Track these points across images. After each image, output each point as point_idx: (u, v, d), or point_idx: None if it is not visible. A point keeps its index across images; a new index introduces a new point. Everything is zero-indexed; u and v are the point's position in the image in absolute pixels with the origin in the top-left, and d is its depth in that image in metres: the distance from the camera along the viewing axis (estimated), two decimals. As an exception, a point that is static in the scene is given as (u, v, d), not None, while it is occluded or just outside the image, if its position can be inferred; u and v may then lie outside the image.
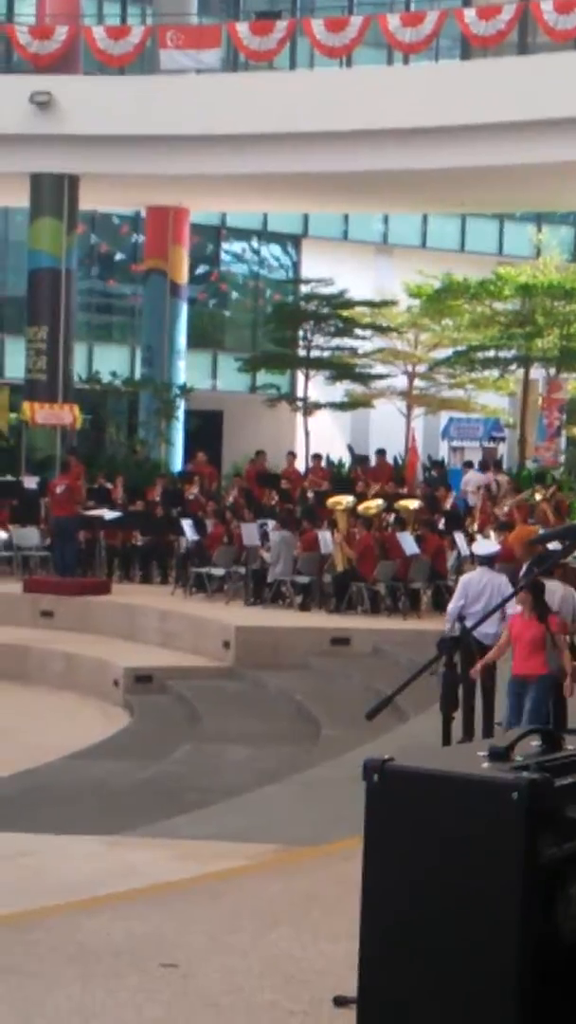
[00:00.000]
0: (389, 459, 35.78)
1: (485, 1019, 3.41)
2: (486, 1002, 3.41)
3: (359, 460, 36.36)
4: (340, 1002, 3.67)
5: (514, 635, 14.54)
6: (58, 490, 29.12)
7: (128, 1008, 8.15)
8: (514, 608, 14.86)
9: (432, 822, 3.47)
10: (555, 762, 3.57)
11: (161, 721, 20.82)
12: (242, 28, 33.54)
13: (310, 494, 30.29)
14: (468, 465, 37.06)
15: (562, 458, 37.85)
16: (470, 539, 24.85)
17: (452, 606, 17.60)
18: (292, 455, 35.73)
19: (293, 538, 26.45)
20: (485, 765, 3.52)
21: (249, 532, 27.25)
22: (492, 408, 42.90)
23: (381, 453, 36.09)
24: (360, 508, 27.20)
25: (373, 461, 35.49)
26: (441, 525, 27.47)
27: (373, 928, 3.48)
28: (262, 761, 17.81)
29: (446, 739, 14.87)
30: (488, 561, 19.06)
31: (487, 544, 21.40)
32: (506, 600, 16.10)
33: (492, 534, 23.61)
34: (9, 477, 32.05)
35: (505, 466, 37.03)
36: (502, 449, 41.55)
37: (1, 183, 34.25)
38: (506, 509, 26.93)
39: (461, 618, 16.69)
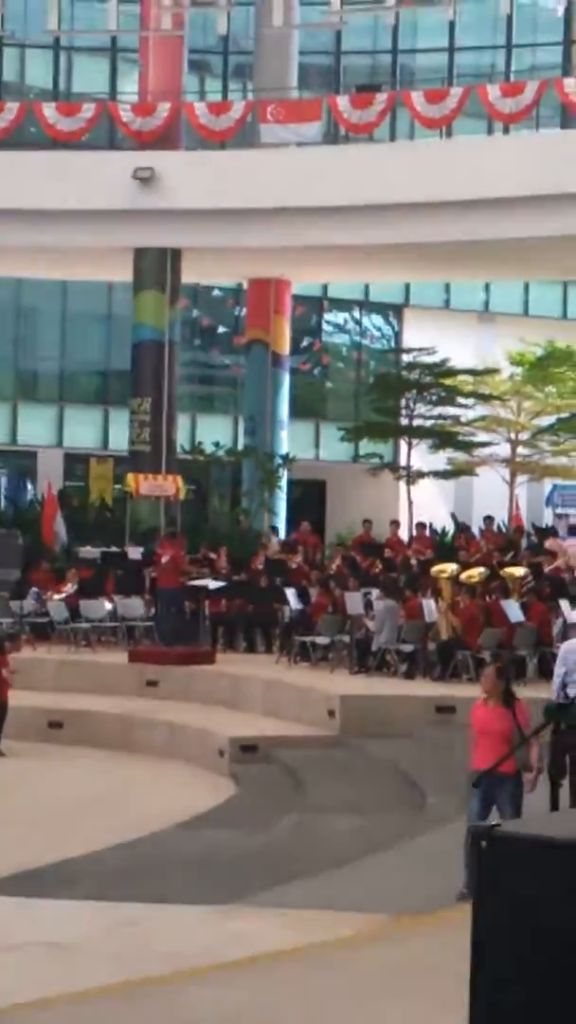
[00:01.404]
0: (494, 527, 35.65)
1: None
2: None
3: (462, 528, 36.21)
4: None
5: (480, 726, 13.71)
6: (163, 560, 29.30)
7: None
8: None
9: (542, 890, 3.45)
10: None
11: (266, 791, 20.73)
12: (342, 101, 33.70)
13: (414, 562, 30.22)
14: (573, 531, 37.02)
15: None
16: (573, 606, 24.75)
17: (556, 673, 17.57)
18: (395, 524, 35.61)
19: (397, 607, 26.40)
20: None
21: (353, 601, 27.18)
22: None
23: (489, 520, 36.02)
24: (464, 576, 27.11)
25: (476, 529, 35.39)
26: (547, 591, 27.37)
27: (483, 999, 3.45)
28: (368, 830, 17.64)
29: (554, 805, 14.87)
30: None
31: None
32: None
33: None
34: (114, 548, 32.18)
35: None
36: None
37: (105, 258, 34.54)
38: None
39: (564, 685, 16.61)
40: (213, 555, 31.24)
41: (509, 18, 34.19)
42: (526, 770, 13.18)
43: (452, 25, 34.07)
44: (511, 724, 13.14)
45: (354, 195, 31.63)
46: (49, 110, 34.78)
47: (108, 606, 29.76)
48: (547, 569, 29.07)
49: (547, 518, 40.52)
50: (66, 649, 28.82)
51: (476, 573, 27.53)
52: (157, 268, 34.04)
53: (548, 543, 32.19)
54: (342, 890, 14.52)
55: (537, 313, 46.18)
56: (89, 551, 32.27)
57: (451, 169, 31.53)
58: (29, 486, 41.64)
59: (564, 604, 25.62)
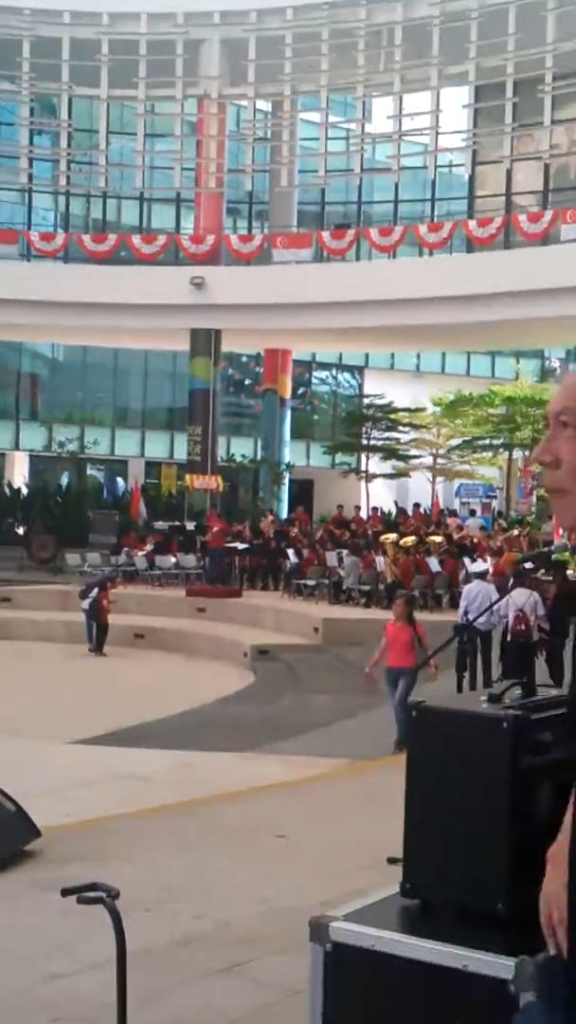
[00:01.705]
0: (421, 511, 35.84)
1: (489, 865, 3.39)
2: (490, 856, 3.40)
3: (401, 511, 36.27)
4: (392, 861, 3.64)
5: (391, 637, 13.65)
6: (214, 530, 29.52)
7: (256, 864, 8.18)
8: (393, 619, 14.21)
9: (451, 743, 3.47)
10: (531, 704, 3.56)
11: (273, 679, 20.96)
12: (325, 235, 33.65)
13: (370, 533, 30.21)
14: (472, 514, 37.25)
15: (533, 509, 37.59)
16: (472, 561, 24.81)
17: (460, 606, 17.75)
18: (357, 508, 35.89)
19: (359, 561, 26.52)
20: (484, 705, 3.51)
21: (331, 557, 27.40)
22: (488, 477, 42.79)
23: (417, 506, 36.22)
24: (401, 542, 27.21)
25: (410, 512, 35.49)
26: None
27: (413, 813, 3.47)
28: (338, 705, 17.89)
29: (459, 690, 15.00)
30: (480, 576, 19.11)
31: (479, 565, 21.57)
32: (493, 603, 16.00)
33: (488, 559, 23.64)
34: (176, 523, 32.20)
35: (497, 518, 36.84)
36: (494, 504, 41.33)
37: (171, 335, 34.44)
38: (499, 542, 26.87)
39: (466, 612, 16.71)
40: (240, 527, 31.28)
41: (433, 182, 34.11)
42: (426, 666, 13.00)
43: (396, 185, 34.04)
44: (411, 636, 13.40)
45: (333, 296, 31.51)
46: (137, 240, 34.79)
47: (172, 560, 29.92)
48: (456, 537, 29.21)
49: (456, 505, 40.47)
50: (146, 587, 28.94)
51: (409, 540, 27.61)
52: (205, 342, 33.99)
53: (449, 520, 32.62)
54: (321, 743, 14.81)
55: (450, 372, 46.21)
56: (161, 524, 32.28)
57: (396, 279, 31.48)
58: (121, 482, 41.59)
59: (467, 560, 25.63)
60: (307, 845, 8.55)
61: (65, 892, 3.83)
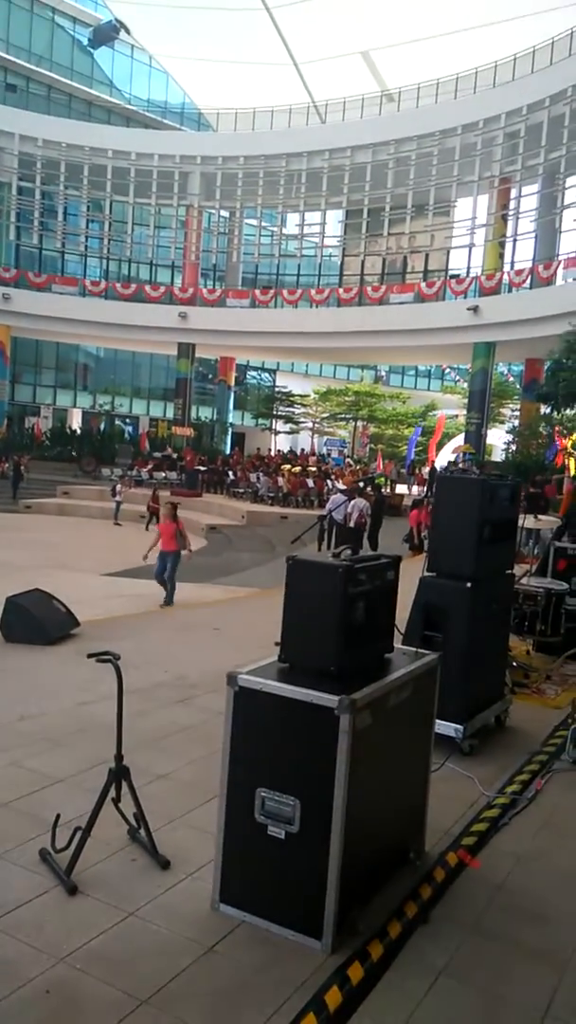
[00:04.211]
0: (305, 454, 35.76)
1: (328, 646, 3.41)
2: (329, 640, 3.42)
3: (292, 453, 36.18)
4: (278, 644, 3.65)
5: (161, 529, 11.46)
6: (187, 458, 29.09)
7: (201, 644, 8.23)
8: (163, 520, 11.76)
9: (310, 577, 3.49)
10: (355, 559, 3.58)
11: (218, 545, 20.79)
12: (257, 292, 33.07)
13: (275, 464, 30.16)
14: (330, 455, 37.30)
15: (367, 454, 37.84)
16: (334, 483, 24.90)
17: (327, 506, 17.67)
18: (269, 451, 35.69)
19: (268, 480, 26.40)
20: (331, 560, 3.52)
21: (253, 477, 27.19)
22: (342, 435, 42.83)
23: (302, 451, 36.12)
24: (292, 469, 27.20)
25: (299, 453, 35.45)
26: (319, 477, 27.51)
27: (288, 617, 3.49)
28: (254, 559, 17.83)
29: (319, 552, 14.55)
30: (340, 491, 19.08)
31: (340, 485, 21.61)
32: (339, 505, 15.94)
33: (340, 482, 23.73)
34: (166, 453, 31.85)
35: (346, 458, 36.91)
36: (345, 451, 41.42)
37: (166, 346, 33.84)
38: (347, 473, 27.03)
39: (329, 511, 16.70)
40: (203, 458, 30.96)
41: (319, 264, 33.83)
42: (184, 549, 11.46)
43: (299, 265, 33.74)
44: (175, 529, 11.25)
45: (261, 328, 31.27)
46: (147, 288, 33.90)
47: (163, 474, 29.41)
48: (322, 468, 29.25)
49: (324, 451, 40.45)
50: (146, 490, 28.21)
51: (296, 468, 27.62)
52: (186, 350, 33.36)
53: (311, 459, 32.59)
54: (244, 579, 14.79)
55: (324, 375, 45.90)
56: (157, 454, 31.90)
57: (297, 320, 31.26)
58: (134, 429, 40.97)
59: (329, 482, 25.76)
60: (231, 634, 8.62)
61: (89, 655, 3.80)
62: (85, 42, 39.81)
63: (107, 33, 39.25)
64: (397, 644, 3.82)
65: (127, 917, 3.32)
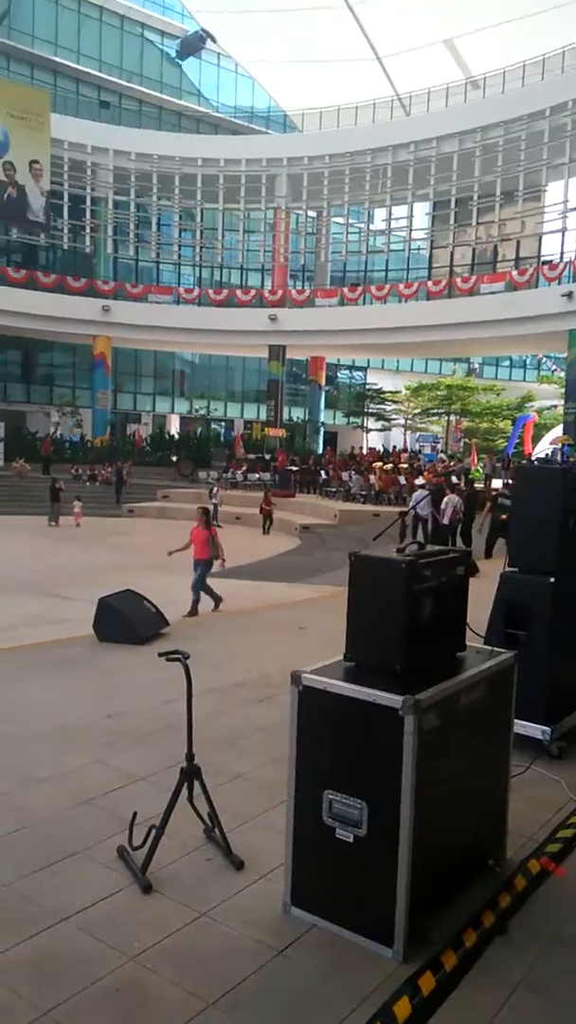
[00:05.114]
0: (399, 452, 35.32)
1: (393, 644, 3.31)
2: (393, 639, 3.33)
3: (387, 452, 35.84)
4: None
5: (194, 537, 10.33)
6: (279, 459, 29.21)
7: (286, 643, 8.20)
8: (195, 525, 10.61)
9: (373, 573, 3.40)
10: (421, 555, 3.47)
11: (311, 544, 20.77)
12: (345, 290, 32.92)
13: (366, 462, 29.93)
14: (426, 455, 36.71)
15: (460, 449, 37.02)
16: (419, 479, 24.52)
17: (410, 502, 17.42)
18: (361, 448, 35.43)
19: (360, 478, 26.24)
20: (395, 555, 3.43)
21: (345, 475, 27.08)
22: (435, 431, 42.10)
23: (395, 448, 35.70)
24: (384, 467, 26.93)
25: (391, 451, 35.06)
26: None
27: (352, 615, 3.41)
28: (345, 558, 17.71)
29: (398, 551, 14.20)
30: (422, 487, 18.73)
31: (421, 480, 21.27)
32: (419, 501, 15.52)
33: (427, 477, 23.35)
34: (260, 455, 32.10)
35: (439, 454, 36.30)
36: (438, 446, 40.63)
37: (258, 348, 33.94)
38: (439, 467, 26.52)
39: (412, 506, 16.38)
40: (296, 458, 31.03)
41: (407, 258, 33.43)
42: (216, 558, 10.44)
43: (387, 260, 33.29)
44: (206, 535, 10.23)
45: (349, 326, 31.10)
46: (239, 292, 34.28)
47: (256, 475, 29.61)
48: (413, 465, 28.84)
49: (416, 447, 39.89)
50: (241, 491, 28.36)
51: (389, 466, 27.31)
52: (276, 352, 33.43)
53: (403, 456, 32.01)
54: (335, 578, 14.65)
55: (416, 370, 45.11)
56: (251, 455, 32.22)
57: (385, 316, 30.94)
58: (229, 432, 41.55)
59: (419, 479, 25.38)
60: (317, 633, 8.56)
61: (160, 654, 3.82)
62: (173, 54, 40.59)
63: (194, 44, 39.91)
64: (475, 643, 3.67)
65: (199, 917, 3.31)
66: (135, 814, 3.83)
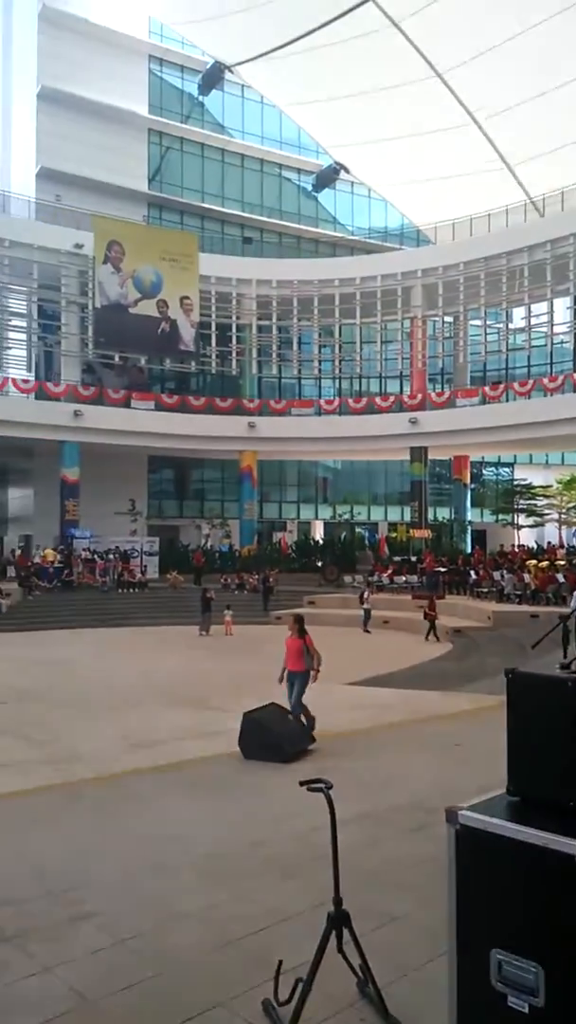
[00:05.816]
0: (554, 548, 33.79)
1: (564, 774, 2.94)
2: (563, 767, 2.95)
3: (541, 548, 34.40)
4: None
5: (287, 646, 9.38)
6: (427, 560, 28.64)
7: (442, 762, 7.66)
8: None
9: (535, 693, 3.05)
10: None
11: (464, 648, 20.00)
12: (487, 388, 32.63)
13: (519, 559, 28.76)
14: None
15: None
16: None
17: (571, 603, 16.39)
18: (513, 547, 34.15)
19: (513, 577, 25.15)
20: (558, 670, 3.06)
21: (496, 575, 26.07)
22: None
23: (549, 544, 34.15)
24: (539, 564, 25.72)
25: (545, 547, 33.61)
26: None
27: (514, 740, 3.06)
28: (503, 662, 16.80)
29: (564, 655, 13.22)
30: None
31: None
32: None
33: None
34: (405, 557, 31.66)
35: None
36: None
37: (399, 452, 34.40)
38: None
39: (573, 608, 15.35)
40: (444, 559, 30.34)
41: (551, 352, 32.84)
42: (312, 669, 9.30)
43: (528, 356, 32.92)
44: (301, 645, 9.25)
45: (492, 423, 30.80)
46: (378, 399, 34.97)
47: (403, 578, 29.15)
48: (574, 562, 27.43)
49: (573, 542, 38.14)
50: (388, 595, 28.02)
51: (545, 563, 26.08)
52: (418, 454, 33.55)
53: (559, 552, 30.42)
54: (493, 687, 13.89)
55: (567, 463, 43.63)
56: (396, 558, 31.84)
57: (529, 411, 30.36)
58: (374, 535, 41.44)
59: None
60: (476, 750, 7.96)
61: (301, 783, 3.56)
62: (310, 188, 43.38)
63: (329, 176, 42.61)
64: None
65: None
66: (280, 963, 3.49)
